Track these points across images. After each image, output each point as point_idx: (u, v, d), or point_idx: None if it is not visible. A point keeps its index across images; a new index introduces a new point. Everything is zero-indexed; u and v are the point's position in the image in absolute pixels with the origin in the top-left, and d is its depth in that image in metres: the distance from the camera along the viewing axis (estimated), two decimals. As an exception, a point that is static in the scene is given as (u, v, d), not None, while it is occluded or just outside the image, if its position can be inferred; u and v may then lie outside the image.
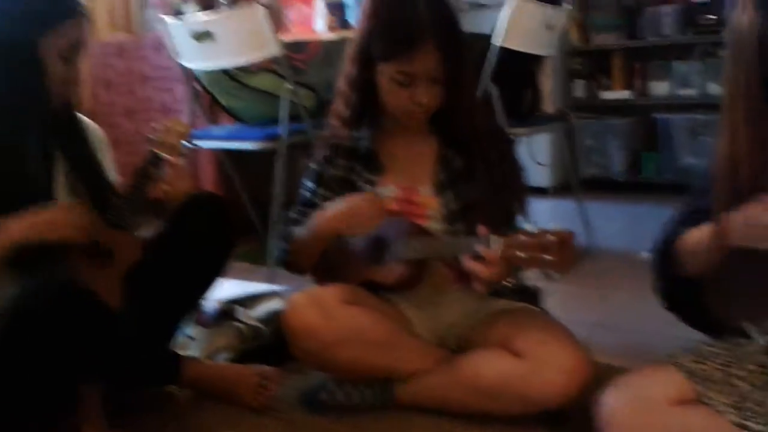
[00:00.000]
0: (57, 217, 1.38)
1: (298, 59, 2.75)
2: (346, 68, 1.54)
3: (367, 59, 1.48)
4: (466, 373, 1.43)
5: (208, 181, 3.03)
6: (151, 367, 1.52)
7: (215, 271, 1.64)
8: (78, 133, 1.62)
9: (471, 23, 3.48)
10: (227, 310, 1.94)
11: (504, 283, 1.43)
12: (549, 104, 3.59)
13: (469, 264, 1.31)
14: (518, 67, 2.68)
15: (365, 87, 1.50)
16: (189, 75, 2.77)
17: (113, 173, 1.71)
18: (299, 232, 1.58)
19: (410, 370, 1.49)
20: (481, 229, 1.29)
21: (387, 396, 1.51)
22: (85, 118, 1.67)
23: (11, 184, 1.45)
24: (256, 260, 2.64)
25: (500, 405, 1.40)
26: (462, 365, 1.45)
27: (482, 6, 3.85)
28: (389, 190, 1.56)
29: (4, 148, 1.44)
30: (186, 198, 1.61)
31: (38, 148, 1.51)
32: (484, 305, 1.54)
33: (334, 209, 1.53)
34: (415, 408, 1.49)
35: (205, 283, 1.65)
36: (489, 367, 1.40)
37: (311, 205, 1.62)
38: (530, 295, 1.60)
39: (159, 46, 3.02)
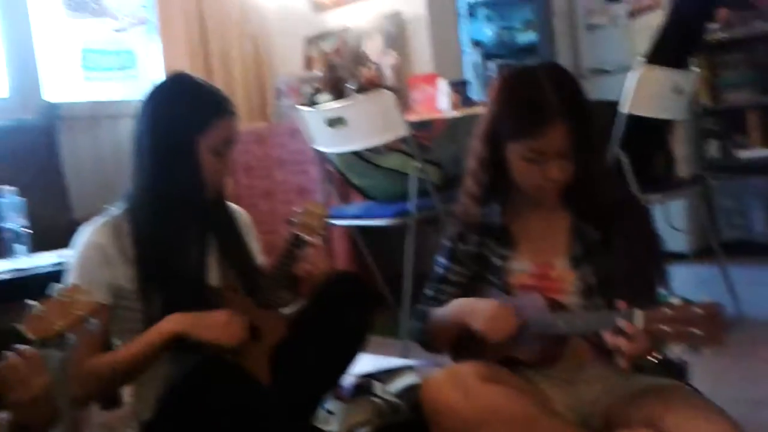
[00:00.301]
0: (218, 322, 1.50)
1: (424, 137, 2.85)
2: (475, 148, 1.57)
3: (496, 139, 1.51)
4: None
5: (341, 257, 3.14)
6: (297, 441, 1.57)
7: (355, 347, 1.71)
8: (228, 219, 1.76)
9: (594, 90, 3.48)
10: (364, 385, 1.98)
11: (649, 358, 1.38)
12: (683, 167, 3.48)
13: (612, 339, 1.28)
14: (648, 132, 2.64)
15: (495, 165, 1.53)
16: (322, 158, 2.94)
17: (259, 255, 1.83)
18: (435, 312, 1.60)
19: (551, 450, 1.45)
20: (621, 303, 1.27)
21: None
22: (232, 204, 1.81)
23: (172, 273, 1.59)
24: (388, 334, 2.68)
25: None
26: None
27: (605, 72, 3.85)
28: (523, 265, 1.56)
29: (166, 237, 1.59)
30: (326, 276, 1.70)
31: (195, 236, 1.66)
32: (628, 382, 1.49)
33: (470, 308, 1.52)
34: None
35: (346, 360, 1.71)
36: (636, 447, 1.35)
37: (446, 282, 1.65)
38: (676, 371, 1.54)
39: (294, 132, 3.23)
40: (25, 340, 1.10)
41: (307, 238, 1.67)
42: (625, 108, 2.46)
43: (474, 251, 1.62)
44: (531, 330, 1.47)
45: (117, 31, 3.55)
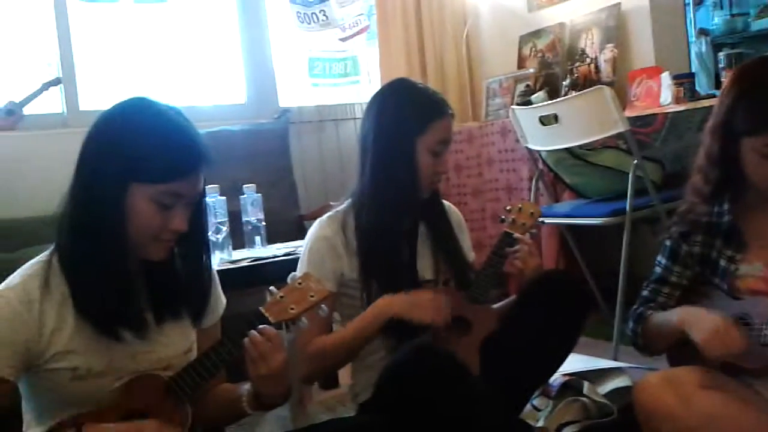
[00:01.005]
0: (423, 300, 1.57)
1: (644, 133, 2.73)
2: (705, 142, 1.50)
3: (730, 132, 1.43)
4: None
5: (550, 256, 3.11)
6: (506, 432, 1.60)
7: (566, 346, 1.70)
8: (442, 215, 1.83)
9: None
10: (572, 384, 1.97)
11: None
12: None
13: None
14: None
15: (727, 161, 1.45)
16: (533, 156, 2.93)
17: (470, 252, 1.89)
18: (655, 316, 1.55)
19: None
20: None
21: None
22: (446, 202, 1.88)
23: (389, 264, 1.70)
24: (598, 335, 2.62)
25: None
26: None
27: None
28: (755, 268, 1.46)
29: (384, 232, 1.70)
30: (541, 274, 1.71)
31: (410, 232, 1.75)
32: None
33: (696, 318, 1.44)
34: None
35: (556, 358, 1.71)
36: None
37: (665, 283, 1.59)
38: None
39: (504, 131, 3.25)
40: (265, 321, 1.24)
41: (518, 235, 1.69)
42: None
43: (698, 252, 1.54)
44: (760, 336, 1.37)
45: (341, 40, 3.80)
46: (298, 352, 1.67)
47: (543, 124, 2.63)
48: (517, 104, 3.13)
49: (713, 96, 2.58)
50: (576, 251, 2.96)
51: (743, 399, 1.40)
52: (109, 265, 1.19)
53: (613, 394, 1.91)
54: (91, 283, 1.19)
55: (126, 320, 1.22)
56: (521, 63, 3.72)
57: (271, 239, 2.43)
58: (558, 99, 2.80)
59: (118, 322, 1.22)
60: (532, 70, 3.58)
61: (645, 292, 1.62)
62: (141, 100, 1.24)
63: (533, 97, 3.19)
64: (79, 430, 1.11)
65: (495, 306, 1.79)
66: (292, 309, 1.25)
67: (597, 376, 2.01)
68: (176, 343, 1.30)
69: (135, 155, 1.17)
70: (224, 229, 2.18)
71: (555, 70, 3.51)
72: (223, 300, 1.43)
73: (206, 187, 1.29)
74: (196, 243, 1.30)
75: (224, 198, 2.19)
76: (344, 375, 2.22)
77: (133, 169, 1.17)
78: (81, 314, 1.20)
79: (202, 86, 3.61)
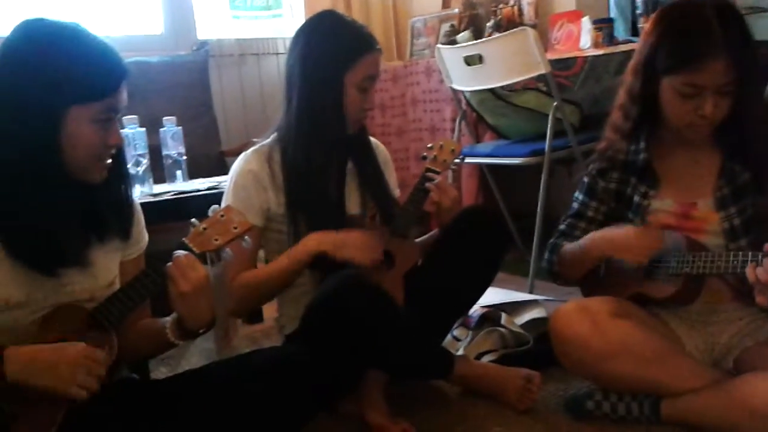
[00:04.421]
0: (356, 242, 1.59)
1: (564, 76, 2.79)
2: (627, 81, 1.54)
3: (651, 71, 1.47)
4: (742, 395, 1.36)
5: (470, 196, 3.18)
6: (428, 360, 1.67)
7: (485, 278, 1.76)
8: (369, 152, 1.84)
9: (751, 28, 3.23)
10: (490, 315, 2.05)
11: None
12: None
13: (753, 276, 1.26)
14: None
15: (647, 99, 1.50)
16: (457, 97, 2.96)
17: (395, 188, 1.91)
18: (569, 245, 1.63)
19: (680, 389, 1.46)
20: (768, 246, 1.25)
21: (653, 412, 1.50)
22: (373, 139, 1.89)
23: (317, 199, 1.70)
24: (515, 271, 2.72)
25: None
26: (737, 386, 1.38)
27: (764, 10, 3.56)
28: (665, 203, 1.54)
29: (311, 166, 1.69)
30: (461, 210, 1.75)
31: (338, 167, 1.75)
32: (763, 324, 1.46)
33: (609, 235, 1.54)
34: (680, 426, 1.47)
35: (476, 289, 1.77)
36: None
37: (581, 217, 1.66)
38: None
39: (429, 71, 3.26)
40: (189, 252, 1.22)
41: (438, 171, 1.72)
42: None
43: (614, 188, 1.61)
44: (668, 268, 1.46)
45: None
46: (223, 285, 1.67)
47: (468, 64, 2.65)
48: (442, 44, 3.13)
49: (630, 41, 2.66)
50: (496, 191, 3.04)
51: (651, 327, 1.50)
52: (47, 202, 1.15)
53: (528, 324, 2.00)
54: (27, 227, 1.15)
55: (68, 259, 1.20)
56: (446, 3, 3.71)
57: (191, 176, 2.37)
58: (483, 39, 2.82)
59: (60, 263, 1.19)
60: (456, 11, 3.58)
61: (562, 226, 1.69)
62: (41, 21, 1.18)
63: (458, 37, 3.20)
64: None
65: (417, 240, 1.84)
66: (216, 240, 1.24)
67: (514, 308, 2.09)
68: (99, 275, 1.27)
69: (67, 78, 1.13)
70: (144, 161, 2.11)
71: (479, 11, 3.52)
72: (146, 235, 1.41)
73: (123, 117, 1.26)
74: (117, 168, 1.27)
75: (144, 129, 2.12)
76: (268, 309, 2.23)
77: (68, 92, 1.13)
78: (16, 259, 1.16)
79: (115, 14, 3.43)
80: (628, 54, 2.36)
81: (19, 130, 1.13)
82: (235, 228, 1.26)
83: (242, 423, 1.24)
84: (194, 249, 1.23)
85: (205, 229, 1.25)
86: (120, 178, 1.29)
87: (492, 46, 2.60)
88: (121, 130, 1.31)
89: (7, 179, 1.15)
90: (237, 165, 1.74)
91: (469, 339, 1.99)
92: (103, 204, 1.26)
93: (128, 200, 1.33)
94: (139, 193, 2.06)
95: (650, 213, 1.55)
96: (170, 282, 1.19)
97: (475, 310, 2.02)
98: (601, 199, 1.63)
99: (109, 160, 1.23)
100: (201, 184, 2.24)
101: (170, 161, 2.30)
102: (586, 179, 1.66)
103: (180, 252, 1.21)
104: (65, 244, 1.20)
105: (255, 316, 2.44)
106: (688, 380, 1.46)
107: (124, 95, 1.21)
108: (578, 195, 1.68)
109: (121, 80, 1.20)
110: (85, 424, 1.15)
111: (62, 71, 1.13)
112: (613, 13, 3.00)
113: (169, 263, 1.20)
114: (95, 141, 1.17)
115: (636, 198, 1.57)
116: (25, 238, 1.16)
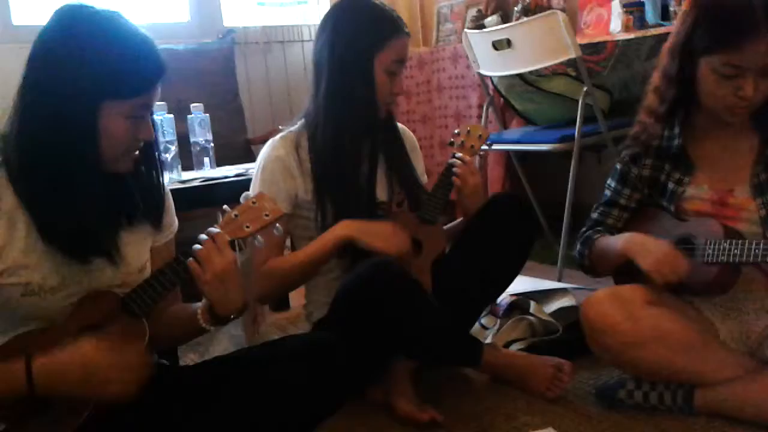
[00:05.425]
0: (385, 231, 1.59)
1: (594, 61, 2.75)
2: (662, 63, 1.51)
3: (688, 52, 1.44)
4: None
5: (496, 182, 3.15)
6: (457, 348, 1.65)
7: (514, 266, 1.75)
8: (396, 138, 1.83)
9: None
10: (519, 304, 2.03)
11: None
12: None
13: None
14: None
15: (683, 81, 1.46)
16: (485, 83, 2.93)
17: (423, 175, 1.89)
18: (602, 241, 1.59)
19: (714, 378, 1.44)
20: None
21: (686, 402, 1.48)
22: (400, 125, 1.87)
23: (346, 185, 1.69)
24: (544, 259, 2.70)
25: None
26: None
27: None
28: (701, 190, 1.51)
29: (341, 153, 1.68)
30: (490, 198, 1.74)
31: (367, 152, 1.74)
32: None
33: (641, 243, 1.49)
34: (714, 416, 1.45)
35: (505, 277, 1.76)
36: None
37: (614, 205, 1.63)
38: None
39: (455, 57, 3.23)
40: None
41: (464, 157, 1.71)
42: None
43: (648, 175, 1.58)
44: (702, 256, 1.43)
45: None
46: (253, 272, 1.67)
47: (496, 48, 2.61)
48: (469, 29, 3.10)
49: (661, 25, 2.60)
50: (523, 179, 3.01)
51: (685, 315, 1.48)
52: (83, 190, 1.16)
53: (558, 313, 1.97)
54: (63, 213, 1.16)
55: (102, 246, 1.20)
56: (473, -13, 3.67)
57: (218, 163, 2.38)
58: (512, 23, 2.78)
59: (94, 250, 1.20)
60: (484, -5, 3.54)
61: (595, 215, 1.67)
62: (80, 10, 1.17)
63: (486, 21, 3.17)
64: (28, 361, 1.08)
65: (445, 227, 1.82)
66: (247, 227, 1.24)
67: (543, 296, 2.07)
68: (131, 261, 1.28)
69: (106, 72, 1.12)
70: (173, 148, 2.12)
71: (507, -5, 3.47)
72: (176, 220, 1.41)
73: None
74: (149, 155, 1.27)
75: (172, 116, 2.13)
76: (295, 297, 2.24)
77: (106, 87, 1.13)
78: (50, 244, 1.17)
79: (142, 2, 3.45)
80: (659, 38, 2.32)
81: (60, 121, 1.13)
82: (267, 215, 1.25)
83: (273, 408, 1.24)
84: (225, 236, 1.22)
85: (236, 215, 1.24)
86: (152, 165, 1.29)
87: (521, 30, 2.56)
88: (154, 116, 1.30)
89: (45, 167, 1.15)
90: (264, 152, 1.73)
91: (497, 327, 1.97)
92: (135, 191, 1.27)
93: (160, 187, 1.33)
94: (168, 179, 2.07)
95: (685, 200, 1.52)
96: (197, 268, 1.19)
97: (504, 298, 2.01)
98: (634, 186, 1.60)
99: (137, 152, 1.23)
100: (229, 171, 2.24)
101: (198, 148, 2.30)
102: (618, 166, 1.63)
103: (204, 235, 1.21)
104: (99, 232, 1.20)
105: (282, 304, 2.45)
106: (723, 370, 1.44)
107: (158, 92, 1.20)
108: (611, 182, 1.65)
109: (158, 79, 1.18)
110: (117, 410, 1.15)
111: (103, 63, 1.12)
112: (644, -4, 2.93)
113: (198, 246, 1.20)
114: (126, 135, 1.17)
115: (670, 185, 1.54)
116: (61, 224, 1.17)
